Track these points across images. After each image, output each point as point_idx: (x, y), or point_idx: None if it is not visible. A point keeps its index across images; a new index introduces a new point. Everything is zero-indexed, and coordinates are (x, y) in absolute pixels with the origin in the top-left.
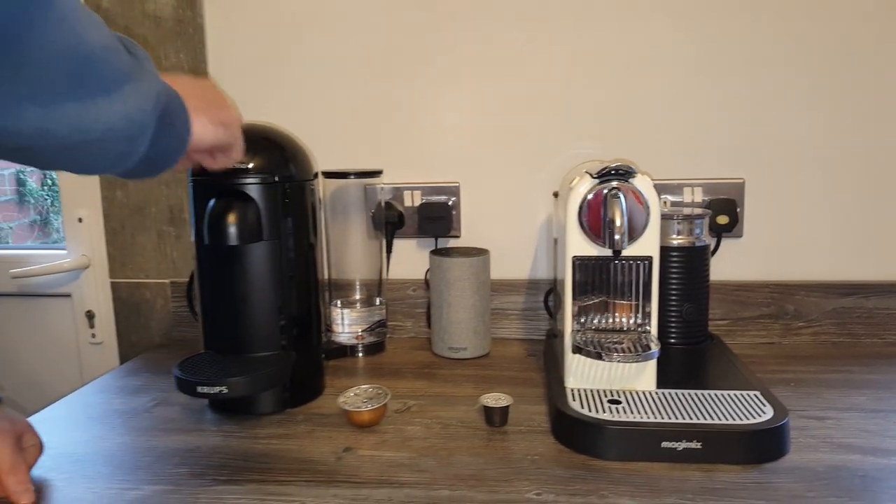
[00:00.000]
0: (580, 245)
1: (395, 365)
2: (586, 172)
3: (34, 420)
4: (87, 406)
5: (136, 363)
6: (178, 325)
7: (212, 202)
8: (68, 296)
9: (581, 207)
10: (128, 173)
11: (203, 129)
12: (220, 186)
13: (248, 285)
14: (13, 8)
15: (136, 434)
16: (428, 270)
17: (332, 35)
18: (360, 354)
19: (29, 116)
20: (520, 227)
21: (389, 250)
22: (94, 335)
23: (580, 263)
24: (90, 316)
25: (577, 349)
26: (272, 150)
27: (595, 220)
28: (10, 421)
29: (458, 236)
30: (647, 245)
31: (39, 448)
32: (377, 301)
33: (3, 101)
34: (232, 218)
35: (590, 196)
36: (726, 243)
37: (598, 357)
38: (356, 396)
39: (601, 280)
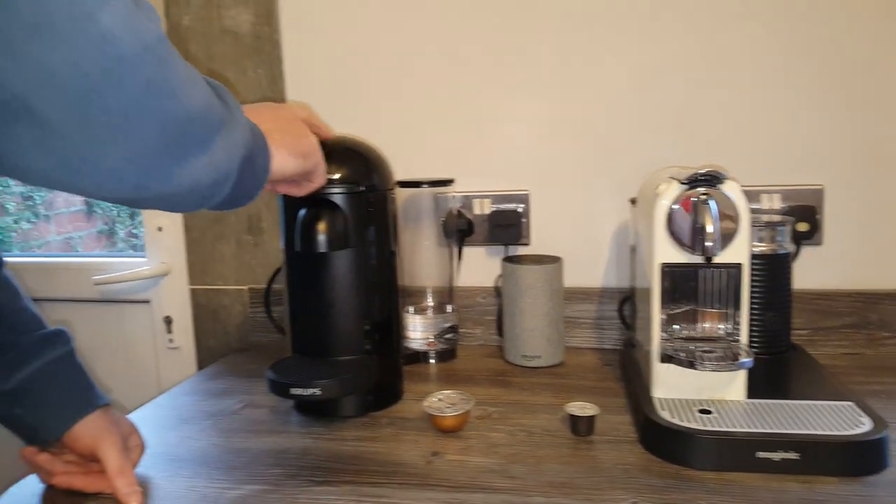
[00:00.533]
0: (668, 252)
1: (469, 372)
2: (672, 178)
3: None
4: (177, 408)
5: (219, 367)
6: (256, 331)
7: (302, 211)
8: (147, 302)
9: (670, 213)
10: (209, 209)
11: (283, 163)
12: (308, 196)
13: (334, 291)
14: (135, 97)
15: (228, 435)
16: (498, 277)
17: (405, 47)
18: (433, 361)
19: (128, 178)
20: (590, 235)
21: (460, 258)
22: (171, 340)
23: (668, 271)
24: (168, 321)
25: (667, 358)
26: (357, 160)
27: (684, 226)
28: (117, 423)
29: (527, 244)
30: (738, 252)
31: (142, 448)
32: (448, 308)
33: (104, 167)
34: (321, 226)
35: (677, 203)
36: (806, 251)
37: (691, 366)
38: (440, 401)
39: (689, 288)
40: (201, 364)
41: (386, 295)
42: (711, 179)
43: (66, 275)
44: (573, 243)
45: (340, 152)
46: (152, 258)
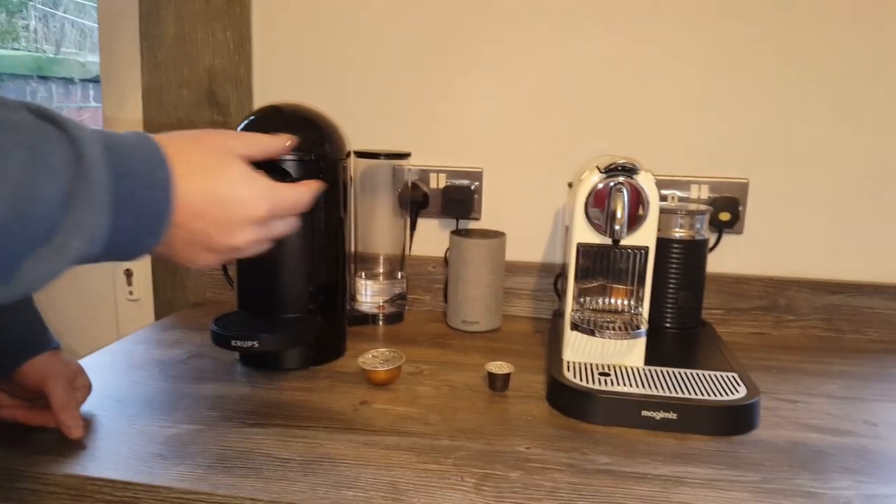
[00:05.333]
0: (585, 233)
1: (412, 334)
2: (596, 166)
3: (82, 364)
4: (128, 355)
5: (173, 319)
6: (213, 287)
7: None
8: None
9: (588, 198)
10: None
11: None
12: (260, 162)
13: (281, 253)
14: None
15: (173, 381)
16: (448, 249)
17: (371, 19)
18: (381, 323)
19: None
20: (537, 214)
21: (413, 228)
22: (131, 292)
23: (584, 250)
24: (128, 274)
25: (574, 326)
26: (309, 129)
27: (600, 210)
28: (65, 364)
29: (478, 219)
30: (645, 236)
31: (88, 389)
32: (399, 275)
33: None
34: None
35: (597, 188)
36: (727, 239)
37: (592, 333)
38: (374, 358)
39: (602, 266)
40: (159, 316)
41: (332, 260)
42: (627, 169)
43: None
44: (520, 220)
45: (293, 121)
46: None
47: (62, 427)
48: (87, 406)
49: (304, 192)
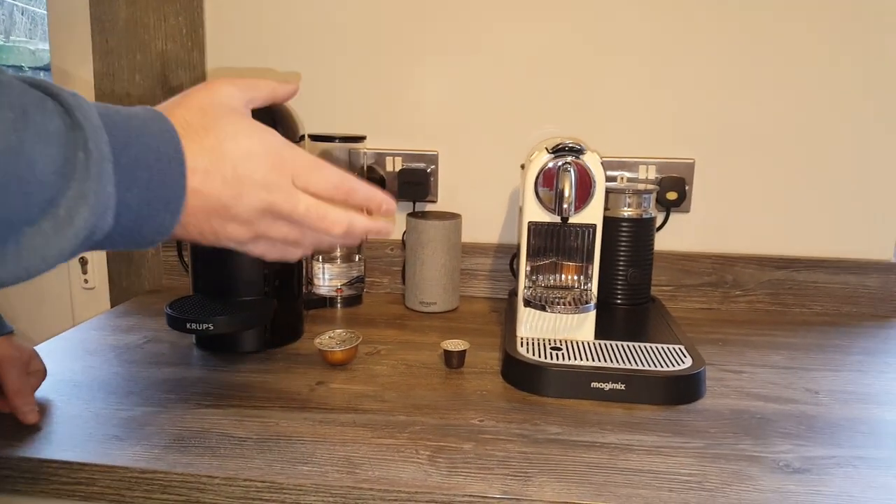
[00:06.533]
0: (535, 212)
1: (370, 316)
2: (545, 147)
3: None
4: (84, 341)
5: (128, 306)
6: (168, 274)
7: None
8: None
9: (537, 178)
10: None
11: (189, 237)
12: None
13: None
14: None
15: (129, 366)
16: (405, 232)
17: (325, 4)
18: (339, 306)
19: None
20: (492, 196)
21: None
22: (86, 280)
23: (534, 228)
24: (83, 262)
25: (526, 302)
26: (261, 113)
27: (549, 189)
28: (19, 349)
29: (434, 201)
30: (592, 214)
31: (43, 373)
32: (356, 258)
33: None
34: None
35: (545, 168)
36: (675, 217)
37: (543, 309)
38: (331, 339)
39: (553, 244)
40: (115, 304)
41: None
42: (574, 150)
43: None
44: (477, 202)
45: None
46: None
47: (16, 412)
48: (43, 391)
49: (325, 167)
